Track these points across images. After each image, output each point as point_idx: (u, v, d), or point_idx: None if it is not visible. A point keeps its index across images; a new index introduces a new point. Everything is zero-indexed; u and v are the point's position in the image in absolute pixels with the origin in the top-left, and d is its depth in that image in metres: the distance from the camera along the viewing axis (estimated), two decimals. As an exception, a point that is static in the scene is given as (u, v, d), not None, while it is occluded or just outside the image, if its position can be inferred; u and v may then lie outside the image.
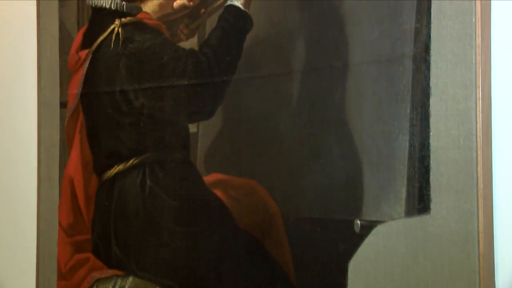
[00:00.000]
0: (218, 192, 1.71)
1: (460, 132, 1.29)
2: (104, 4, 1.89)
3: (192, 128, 1.78)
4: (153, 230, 1.79)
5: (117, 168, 1.85)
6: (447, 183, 1.31)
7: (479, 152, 1.27)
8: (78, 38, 1.99)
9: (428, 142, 1.34)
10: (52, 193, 2.08)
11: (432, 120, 1.33)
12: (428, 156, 1.33)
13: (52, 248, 2.07)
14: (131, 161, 1.83)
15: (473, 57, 1.28)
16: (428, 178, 1.33)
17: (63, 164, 2.05)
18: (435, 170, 1.32)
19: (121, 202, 1.85)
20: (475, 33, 1.27)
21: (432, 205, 1.33)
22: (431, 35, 1.33)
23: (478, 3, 1.27)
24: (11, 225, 2.30)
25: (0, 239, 2.33)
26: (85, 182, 1.96)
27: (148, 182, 1.80)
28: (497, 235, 1.28)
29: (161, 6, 1.87)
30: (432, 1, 1.33)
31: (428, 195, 1.33)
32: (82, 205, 1.96)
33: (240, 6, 1.67)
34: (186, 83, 1.73)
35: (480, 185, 1.26)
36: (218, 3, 1.73)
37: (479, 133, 1.27)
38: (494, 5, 1.29)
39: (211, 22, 1.74)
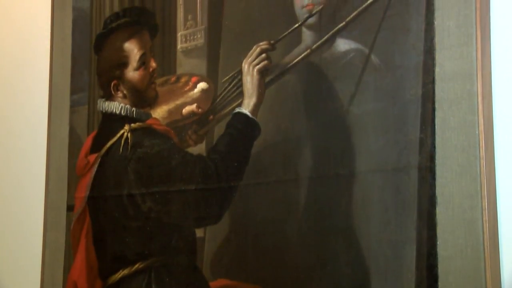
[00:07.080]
0: (224, 298, 1.70)
1: (467, 241, 1.30)
2: (114, 110, 1.93)
3: (199, 232, 1.78)
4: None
5: (123, 272, 1.84)
6: (456, 293, 1.30)
7: (487, 262, 1.27)
8: (87, 142, 2.02)
9: (436, 251, 1.34)
10: (56, 298, 2.06)
11: (439, 229, 1.34)
12: (436, 266, 1.33)
13: None
14: (136, 265, 1.82)
15: (478, 168, 1.30)
16: (437, 288, 1.33)
17: (67, 269, 2.03)
18: (443, 279, 1.32)
19: (126, 308, 1.83)
20: (479, 144, 1.30)
21: (442, 316, 1.32)
22: (436, 145, 1.36)
23: (481, 116, 1.31)
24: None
25: None
26: (89, 287, 1.94)
27: (153, 287, 1.78)
28: None
29: (170, 112, 1.91)
30: (436, 114, 1.36)
31: (437, 305, 1.33)
32: (86, 310, 1.94)
33: (248, 113, 1.70)
34: (194, 188, 1.75)
35: (490, 296, 1.26)
36: (227, 110, 1.77)
37: (486, 243, 1.27)
38: (497, 118, 1.33)
39: (219, 129, 1.77)
